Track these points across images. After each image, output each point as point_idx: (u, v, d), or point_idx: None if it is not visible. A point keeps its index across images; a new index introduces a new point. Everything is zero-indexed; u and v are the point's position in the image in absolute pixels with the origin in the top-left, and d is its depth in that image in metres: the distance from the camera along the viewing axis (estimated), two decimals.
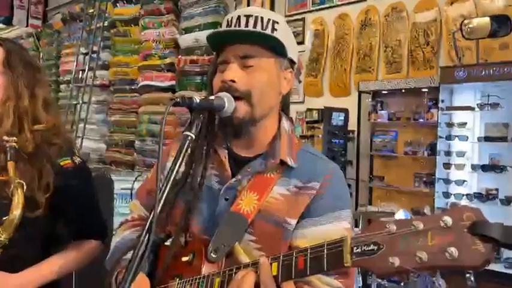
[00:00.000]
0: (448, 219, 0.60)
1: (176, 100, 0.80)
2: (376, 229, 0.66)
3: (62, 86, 6.35)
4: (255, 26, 0.93)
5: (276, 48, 0.95)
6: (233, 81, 0.92)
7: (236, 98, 0.91)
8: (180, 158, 0.80)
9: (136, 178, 2.90)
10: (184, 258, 0.93)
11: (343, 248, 0.69)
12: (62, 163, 1.19)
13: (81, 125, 5.30)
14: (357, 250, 0.67)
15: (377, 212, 3.09)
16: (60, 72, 6.35)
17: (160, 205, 0.75)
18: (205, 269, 0.89)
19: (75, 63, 5.75)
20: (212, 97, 0.90)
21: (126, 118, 5.35)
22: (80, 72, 5.65)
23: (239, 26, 0.93)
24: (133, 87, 5.24)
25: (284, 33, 0.96)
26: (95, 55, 5.42)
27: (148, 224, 0.72)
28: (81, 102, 5.39)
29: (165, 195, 0.76)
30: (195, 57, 4.58)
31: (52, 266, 1.21)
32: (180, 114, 4.67)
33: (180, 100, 0.81)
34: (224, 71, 0.94)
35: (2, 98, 1.18)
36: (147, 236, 0.70)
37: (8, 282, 1.13)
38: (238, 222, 0.91)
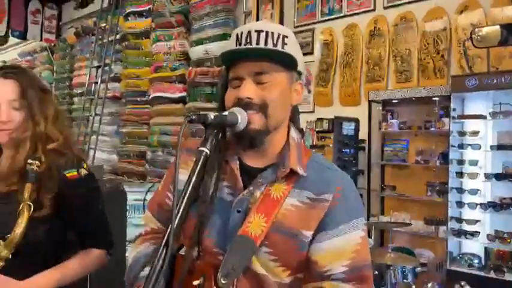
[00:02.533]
0: None
1: (191, 117, 0.81)
2: None
3: (75, 99, 6.47)
4: (266, 41, 0.94)
5: (288, 63, 0.97)
6: (249, 98, 0.93)
7: (252, 111, 0.93)
8: (196, 174, 0.81)
9: (149, 189, 2.93)
10: (195, 282, 0.93)
11: None
12: (67, 174, 1.26)
13: (94, 137, 5.38)
14: None
15: (389, 222, 3.07)
16: (73, 85, 6.48)
17: (176, 222, 0.76)
18: None
19: (87, 76, 5.86)
20: (226, 113, 0.91)
21: (138, 129, 5.42)
22: (93, 84, 5.75)
23: (250, 41, 0.94)
24: (144, 99, 5.32)
25: (293, 47, 0.98)
26: (107, 68, 5.52)
27: (165, 239, 0.73)
28: (93, 114, 5.48)
29: (181, 211, 0.78)
30: (205, 69, 4.64)
31: (56, 274, 1.25)
32: (192, 125, 4.72)
33: (195, 117, 0.82)
34: (238, 87, 0.95)
35: (20, 128, 1.27)
36: (164, 251, 0.71)
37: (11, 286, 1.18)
38: (247, 245, 0.92)
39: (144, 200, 2.88)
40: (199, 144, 0.88)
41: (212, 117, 0.86)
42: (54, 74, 6.94)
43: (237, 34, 0.97)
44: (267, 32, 0.94)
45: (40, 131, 1.27)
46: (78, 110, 6.04)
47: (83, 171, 1.29)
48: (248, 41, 0.94)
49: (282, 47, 0.95)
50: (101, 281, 2.27)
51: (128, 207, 2.91)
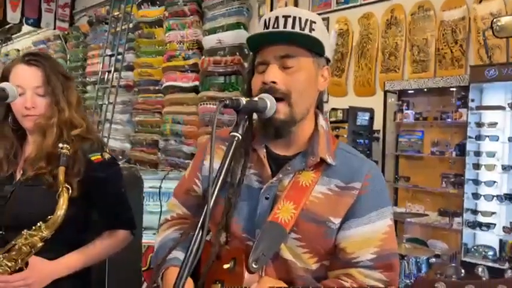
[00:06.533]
0: None
1: (225, 102, 0.82)
2: (425, 286, 0.65)
3: (88, 87, 6.51)
4: (293, 26, 0.94)
5: (315, 48, 0.96)
6: (274, 82, 0.93)
7: (277, 99, 0.93)
8: (229, 158, 0.82)
9: (164, 177, 2.95)
10: (226, 266, 0.95)
11: None
12: (92, 158, 1.30)
13: (107, 125, 5.41)
14: None
15: (405, 213, 3.06)
16: (87, 73, 6.51)
17: (211, 202, 0.77)
18: (246, 279, 0.91)
19: (100, 64, 5.88)
20: (256, 98, 0.92)
21: (150, 118, 5.45)
22: (106, 73, 5.77)
23: (277, 26, 0.94)
24: (157, 88, 5.33)
25: (321, 33, 0.97)
26: (120, 56, 5.53)
27: (201, 221, 0.74)
28: (106, 102, 5.51)
29: (215, 193, 0.79)
30: (218, 58, 4.63)
31: (83, 254, 1.31)
32: (203, 114, 4.74)
33: (229, 102, 0.83)
34: (263, 72, 0.95)
35: (46, 114, 1.30)
36: (200, 233, 0.72)
37: (46, 269, 1.25)
38: (277, 231, 0.93)
39: (160, 187, 2.90)
40: (227, 133, 0.89)
41: (244, 102, 0.86)
42: (68, 62, 6.98)
43: (265, 20, 0.97)
44: (294, 17, 0.94)
45: (65, 117, 1.30)
46: (92, 98, 6.07)
47: (106, 155, 1.33)
48: (275, 26, 0.94)
49: (310, 32, 0.94)
50: (118, 266, 2.31)
51: (143, 195, 2.93)
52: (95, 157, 1.30)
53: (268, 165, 0.99)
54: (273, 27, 0.94)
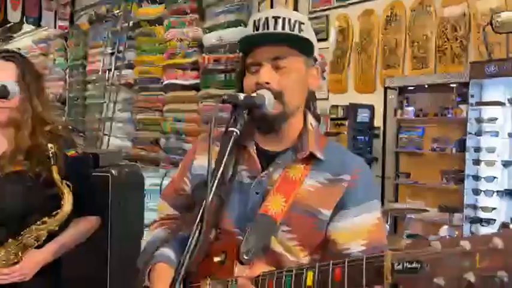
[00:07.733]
0: (499, 242, 0.56)
1: (224, 98, 0.83)
2: (420, 247, 0.63)
3: (89, 86, 6.51)
4: (283, 27, 0.96)
5: (305, 48, 0.99)
6: (267, 83, 0.95)
7: None
8: (227, 153, 0.83)
9: (165, 174, 2.97)
10: (216, 259, 0.95)
11: (383, 263, 0.67)
12: (68, 153, 1.40)
13: (108, 124, 5.43)
14: (399, 267, 0.64)
15: (405, 209, 3.07)
16: (87, 72, 6.50)
17: (211, 196, 0.78)
18: (238, 270, 0.91)
19: (101, 63, 5.88)
20: (254, 94, 0.93)
21: (151, 116, 5.45)
22: (106, 71, 5.78)
23: (267, 27, 0.96)
24: (158, 86, 5.34)
25: (310, 33, 1.00)
26: (120, 55, 5.54)
27: (200, 214, 0.75)
28: (107, 101, 5.52)
29: (213, 188, 0.80)
30: (218, 56, 4.63)
31: (62, 241, 1.41)
32: (204, 112, 4.74)
33: (227, 97, 0.84)
34: (256, 73, 0.97)
35: (20, 110, 1.35)
36: (199, 226, 0.73)
37: (36, 257, 1.34)
38: (267, 224, 0.94)
39: (161, 185, 2.91)
40: (218, 133, 0.90)
41: (242, 98, 0.88)
42: (68, 61, 6.99)
43: (255, 21, 0.99)
44: (284, 18, 0.96)
45: (37, 113, 1.36)
46: (92, 96, 6.09)
47: (79, 150, 1.44)
48: (265, 27, 0.96)
49: (299, 32, 0.97)
50: (119, 263, 2.32)
51: (144, 192, 2.94)
52: (71, 153, 1.40)
53: (258, 160, 1.01)
54: (264, 28, 0.97)
